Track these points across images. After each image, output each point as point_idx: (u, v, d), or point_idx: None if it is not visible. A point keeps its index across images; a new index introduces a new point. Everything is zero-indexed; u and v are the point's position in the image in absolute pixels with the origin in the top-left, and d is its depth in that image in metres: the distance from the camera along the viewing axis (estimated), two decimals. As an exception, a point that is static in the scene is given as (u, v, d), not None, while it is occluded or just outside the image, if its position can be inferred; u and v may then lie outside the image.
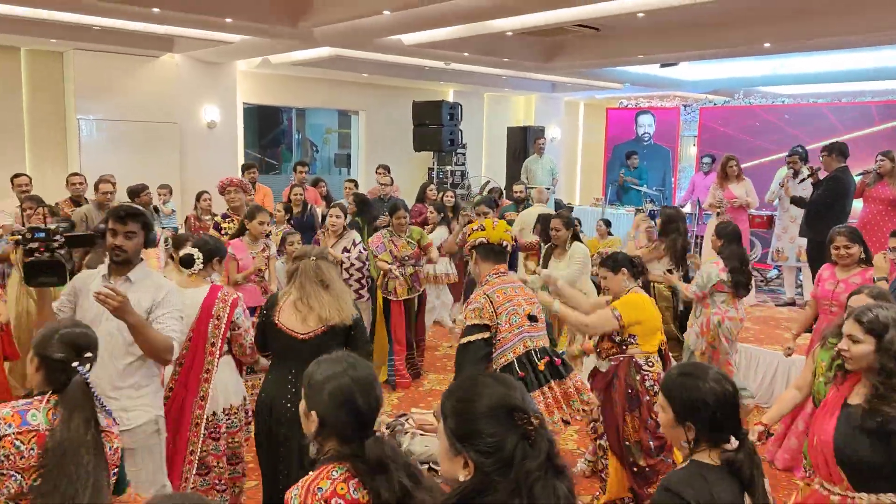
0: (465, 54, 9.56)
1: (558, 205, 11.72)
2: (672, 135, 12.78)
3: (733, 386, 2.05)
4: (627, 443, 3.81)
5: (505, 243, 3.56)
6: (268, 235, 5.64)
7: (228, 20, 7.41)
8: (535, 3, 6.94)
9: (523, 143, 12.94)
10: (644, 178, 12.03)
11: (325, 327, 3.33)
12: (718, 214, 7.86)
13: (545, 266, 5.68)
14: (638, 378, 3.84)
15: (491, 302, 3.40)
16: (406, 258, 6.15)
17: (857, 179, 7.41)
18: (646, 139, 13.03)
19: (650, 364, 3.86)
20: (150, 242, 3.05)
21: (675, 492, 1.93)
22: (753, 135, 11.05)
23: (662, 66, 10.70)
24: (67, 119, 9.82)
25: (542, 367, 3.40)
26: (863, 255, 4.42)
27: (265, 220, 5.42)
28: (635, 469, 3.80)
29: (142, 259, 3.10)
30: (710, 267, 5.07)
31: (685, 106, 12.93)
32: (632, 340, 3.89)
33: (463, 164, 12.84)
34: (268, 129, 15.97)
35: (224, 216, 6.23)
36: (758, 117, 11.32)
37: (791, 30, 7.92)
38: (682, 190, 12.14)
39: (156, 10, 6.97)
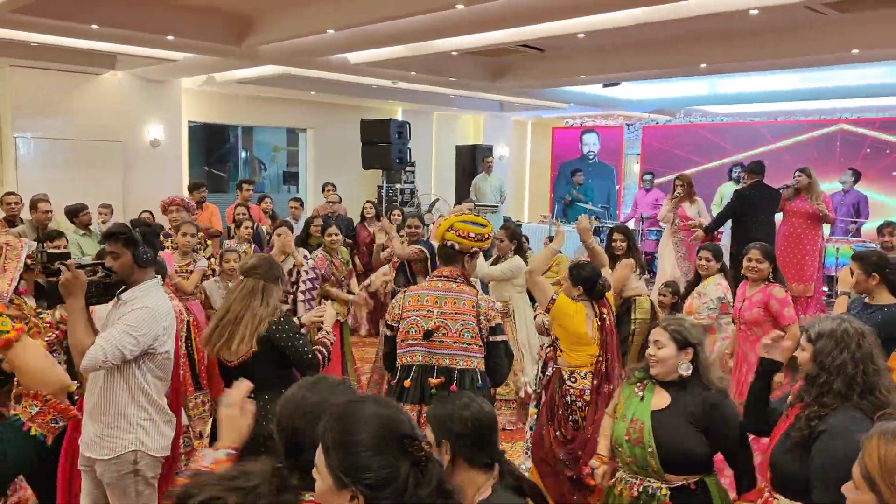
0: (412, 73, 9.64)
1: (506, 221, 11.86)
2: (616, 153, 13.07)
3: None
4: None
5: (450, 242, 3.37)
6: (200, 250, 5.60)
7: (170, 38, 7.35)
8: (478, 24, 7.04)
9: (472, 161, 13.07)
10: (589, 195, 12.26)
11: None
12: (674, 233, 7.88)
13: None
14: (559, 392, 3.86)
15: (401, 304, 3.37)
16: (343, 279, 5.95)
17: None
18: (591, 157, 13.30)
19: (573, 380, 3.87)
20: (143, 260, 2.95)
21: None
22: (694, 152, 11.38)
23: (605, 86, 10.94)
24: (3, 137, 9.56)
25: (433, 384, 3.23)
26: (771, 276, 4.48)
27: (190, 231, 5.37)
28: (571, 477, 3.80)
29: (157, 279, 3.07)
30: (714, 288, 4.89)
31: (629, 125, 13.24)
32: (558, 346, 3.93)
33: (412, 181, 12.90)
34: (214, 148, 15.79)
35: (166, 235, 6.14)
36: (698, 135, 11.67)
37: (725, 52, 8.20)
38: (627, 206, 12.40)
39: (95, 26, 6.87)
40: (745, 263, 4.56)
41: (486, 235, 3.44)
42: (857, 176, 8.52)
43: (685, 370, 2.70)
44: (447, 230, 3.37)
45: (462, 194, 12.15)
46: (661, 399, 2.75)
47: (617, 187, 13.10)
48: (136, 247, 2.93)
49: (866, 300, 3.97)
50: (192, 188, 8.38)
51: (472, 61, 9.65)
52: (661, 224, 8.52)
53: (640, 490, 2.71)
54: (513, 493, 2.07)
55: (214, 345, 3.20)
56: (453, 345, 3.24)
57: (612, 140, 13.17)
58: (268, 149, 17.29)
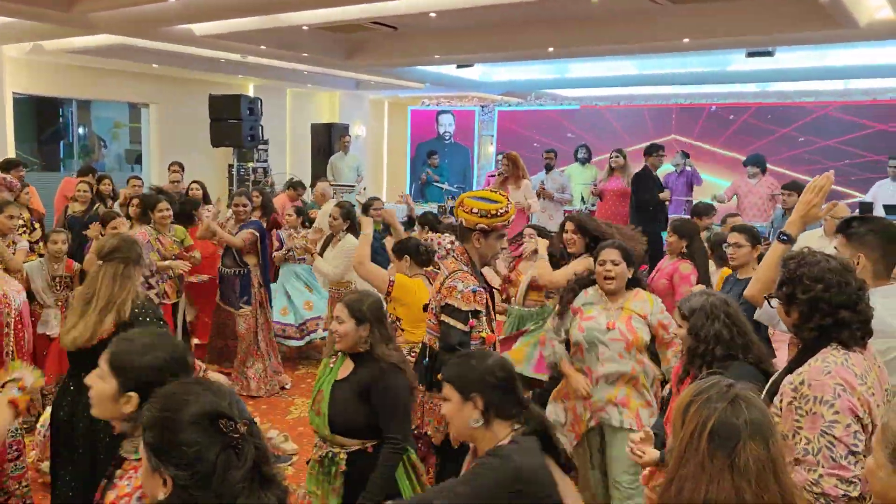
0: (263, 48, 9.32)
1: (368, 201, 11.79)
2: (471, 134, 13.30)
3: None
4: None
5: (458, 219, 3.33)
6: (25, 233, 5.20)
7: (-13, -1, 6.69)
8: (328, -2, 6.92)
9: (328, 140, 12.86)
10: (445, 176, 12.41)
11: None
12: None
13: (321, 254, 5.84)
14: None
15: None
16: (171, 258, 5.64)
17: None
18: (447, 138, 13.45)
19: (411, 355, 3.77)
20: None
21: (503, 455, 2.03)
22: (545, 134, 11.79)
23: (459, 66, 11.07)
24: None
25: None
26: (684, 250, 4.74)
27: (13, 213, 5.04)
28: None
29: None
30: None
31: (483, 107, 13.49)
32: (398, 325, 3.92)
33: (265, 160, 12.52)
34: (46, 123, 14.59)
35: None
36: (548, 118, 12.10)
37: (571, 37, 8.52)
38: (482, 187, 12.67)
39: None
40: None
41: (494, 212, 3.20)
42: (687, 156, 9.16)
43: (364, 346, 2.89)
44: (458, 206, 3.29)
45: (318, 173, 11.95)
46: (346, 370, 2.94)
47: (472, 168, 13.34)
48: None
49: (738, 276, 4.19)
50: (8, 167, 7.61)
51: (325, 37, 9.46)
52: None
53: (324, 454, 2.90)
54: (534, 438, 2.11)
55: (76, 338, 3.01)
56: (430, 323, 3.40)
57: (467, 121, 13.39)
58: (108, 125, 16.21)
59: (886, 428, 1.57)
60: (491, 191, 3.41)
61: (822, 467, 2.05)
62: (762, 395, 2.29)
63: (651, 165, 8.08)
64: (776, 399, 2.23)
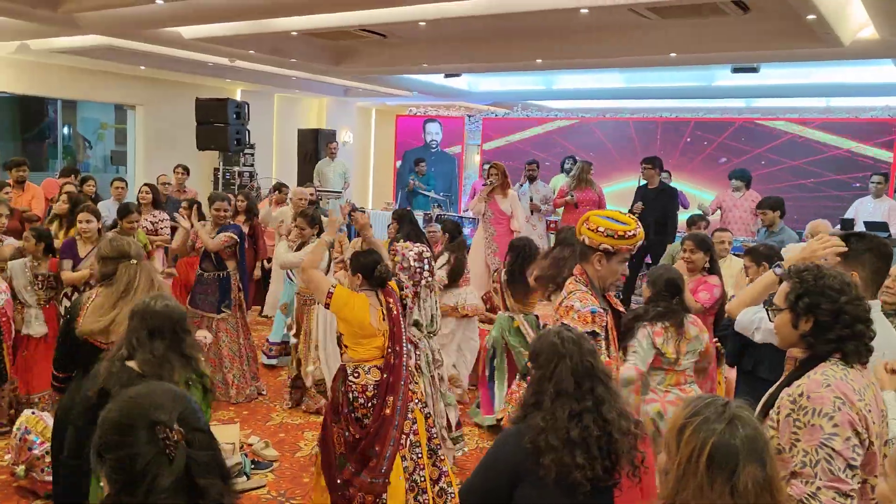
0: (251, 52, 9.31)
1: (352, 208, 11.76)
2: (458, 143, 13.34)
3: None
4: (337, 453, 3.68)
5: (581, 237, 3.13)
6: None
7: (-27, -3, 6.63)
8: (318, 5, 6.91)
9: (315, 145, 12.83)
10: (432, 184, 12.41)
11: None
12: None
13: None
14: (342, 389, 3.67)
15: None
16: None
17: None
18: (433, 146, 13.48)
19: (356, 375, 3.66)
20: None
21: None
22: (531, 145, 11.84)
23: (447, 76, 11.11)
24: None
25: None
26: (707, 265, 4.69)
27: (4, 213, 5.00)
28: (338, 481, 3.63)
29: None
30: (643, 330, 3.75)
31: (469, 116, 13.54)
32: (342, 341, 3.73)
33: (251, 164, 12.48)
34: (31, 122, 14.48)
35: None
36: (535, 129, 12.16)
37: (559, 49, 8.57)
38: (468, 196, 12.70)
39: None
40: (682, 256, 4.82)
41: (622, 233, 2.99)
42: (668, 173, 9.23)
43: None
44: (583, 223, 3.09)
45: (304, 179, 11.92)
46: None
47: (458, 177, 13.37)
48: None
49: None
50: (11, 166, 7.55)
51: (313, 43, 9.46)
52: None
53: None
54: None
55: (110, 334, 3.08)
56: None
57: (454, 130, 13.43)
58: (94, 126, 16.11)
59: None
60: (622, 212, 3.24)
61: (820, 480, 2.03)
62: (757, 408, 2.32)
63: (648, 178, 8.14)
64: (772, 412, 2.22)
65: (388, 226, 6.36)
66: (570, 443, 2.20)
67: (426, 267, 4.24)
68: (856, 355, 2.19)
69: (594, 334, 2.90)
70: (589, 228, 3.05)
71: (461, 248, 5.97)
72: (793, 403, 2.15)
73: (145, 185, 7.30)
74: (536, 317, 5.42)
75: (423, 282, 4.24)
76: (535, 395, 2.31)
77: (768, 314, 2.43)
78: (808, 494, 2.04)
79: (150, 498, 1.39)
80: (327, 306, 3.69)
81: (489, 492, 2.30)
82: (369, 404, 3.64)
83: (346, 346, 3.72)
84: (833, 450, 2.04)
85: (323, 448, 3.76)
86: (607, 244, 3.01)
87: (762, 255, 4.28)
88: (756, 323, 3.06)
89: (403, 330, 3.79)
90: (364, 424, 3.63)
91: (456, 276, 5.75)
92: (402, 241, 4.71)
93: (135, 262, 3.23)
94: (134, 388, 1.57)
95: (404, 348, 3.74)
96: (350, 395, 3.64)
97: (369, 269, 3.73)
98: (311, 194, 8.66)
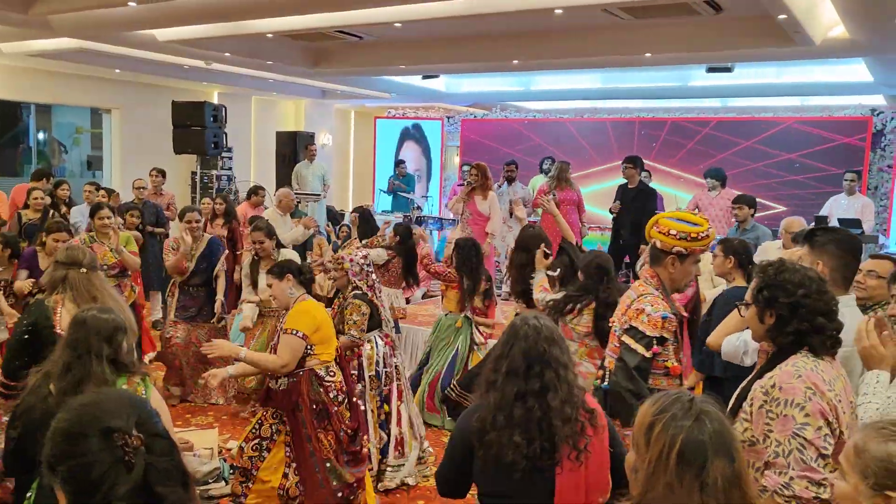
0: (227, 55, 9.25)
1: (330, 211, 11.74)
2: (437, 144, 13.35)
3: None
4: (328, 464, 3.59)
5: (652, 240, 3.12)
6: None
7: (-58, -1, 6.55)
8: (293, 6, 6.89)
9: (293, 148, 12.78)
10: (411, 186, 12.40)
11: None
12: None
13: (254, 280, 5.54)
14: (321, 390, 3.64)
15: None
16: (108, 268, 5.39)
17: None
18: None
19: (331, 374, 3.69)
20: None
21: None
22: (509, 146, 11.86)
23: (424, 77, 11.11)
24: None
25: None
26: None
27: None
28: (339, 495, 3.60)
29: None
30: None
31: (448, 117, 13.55)
32: (309, 351, 3.66)
33: (229, 168, 12.40)
34: (5, 127, 14.29)
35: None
36: (513, 129, 12.18)
37: (534, 50, 8.60)
38: (447, 197, 12.70)
39: None
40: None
41: (695, 235, 2.98)
42: (648, 173, 9.30)
43: None
44: (653, 226, 3.07)
45: (283, 181, 11.87)
46: None
47: (438, 178, 13.37)
48: None
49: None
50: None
51: (289, 45, 9.43)
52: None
53: None
54: None
55: None
56: (612, 345, 3.15)
57: (433, 132, 13.43)
58: (69, 130, 15.92)
59: (862, 451, 1.57)
60: (690, 212, 3.22)
61: (793, 469, 2.07)
62: (731, 402, 2.34)
63: (629, 177, 8.18)
64: (745, 404, 2.25)
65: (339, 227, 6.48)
66: (512, 422, 2.26)
67: (371, 269, 4.43)
68: (822, 348, 2.22)
69: (662, 339, 2.93)
70: (660, 232, 3.03)
71: (408, 252, 6.13)
72: (765, 395, 2.18)
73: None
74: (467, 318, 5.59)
75: (371, 283, 4.40)
76: (493, 373, 2.39)
77: (739, 311, 2.46)
78: (782, 485, 2.08)
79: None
80: (311, 347, 3.65)
81: (452, 469, 2.46)
82: (345, 401, 3.75)
83: (314, 354, 3.67)
84: (805, 439, 2.07)
85: (306, 462, 3.61)
86: (680, 247, 3.00)
87: (732, 249, 4.28)
88: (742, 347, 3.09)
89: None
90: (347, 419, 3.73)
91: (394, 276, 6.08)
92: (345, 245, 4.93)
93: (84, 271, 3.21)
94: (83, 396, 1.53)
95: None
96: (331, 394, 3.66)
97: (296, 270, 3.83)
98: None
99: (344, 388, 3.75)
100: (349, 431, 3.71)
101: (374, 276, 4.47)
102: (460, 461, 2.40)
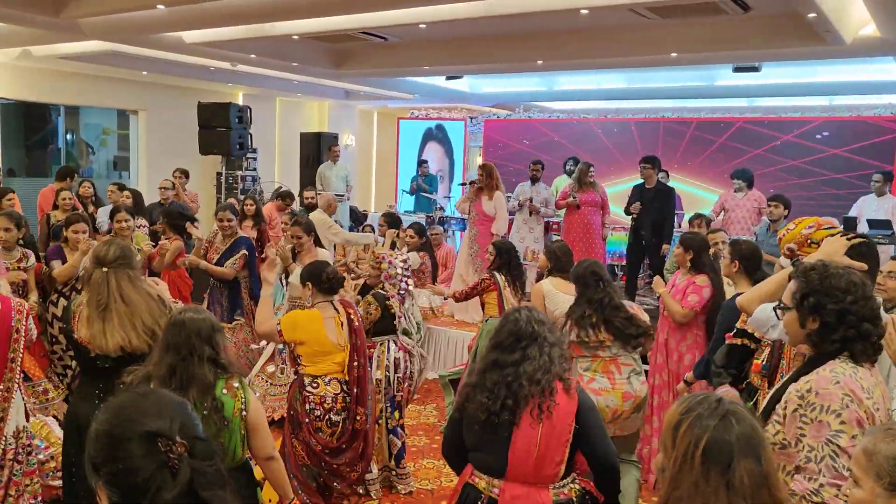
0: (252, 56, 9.32)
1: (353, 212, 11.79)
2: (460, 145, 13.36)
3: None
4: (304, 469, 3.69)
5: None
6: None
7: (-25, 4, 6.66)
8: (318, 8, 6.91)
9: (317, 149, 12.86)
10: (434, 186, 12.41)
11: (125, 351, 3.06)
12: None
13: (286, 276, 5.49)
14: (299, 399, 3.64)
15: None
16: None
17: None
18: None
19: (314, 386, 3.64)
20: None
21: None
22: (533, 147, 11.82)
23: (448, 78, 11.11)
24: None
25: None
26: (689, 263, 4.58)
27: (7, 225, 4.89)
28: (326, 493, 3.70)
29: None
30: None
31: (471, 118, 13.54)
32: (300, 361, 3.68)
33: (254, 169, 12.50)
34: (34, 129, 14.51)
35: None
36: (536, 130, 12.14)
37: (559, 50, 8.56)
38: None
39: None
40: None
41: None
42: (666, 173, 9.20)
43: None
44: (807, 244, 3.02)
45: (306, 182, 11.94)
46: None
47: (462, 179, 13.37)
48: None
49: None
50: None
51: (314, 47, 9.47)
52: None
53: None
54: None
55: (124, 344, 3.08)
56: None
57: (456, 132, 13.43)
58: (97, 131, 16.14)
59: (872, 454, 1.56)
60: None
61: (824, 476, 2.03)
62: (763, 404, 2.32)
63: (646, 177, 8.12)
64: (779, 407, 2.22)
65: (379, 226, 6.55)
66: (485, 386, 2.54)
67: (408, 275, 4.43)
68: (864, 354, 2.18)
69: None
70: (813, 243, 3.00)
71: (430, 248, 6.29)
72: (801, 399, 2.14)
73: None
74: None
75: (404, 290, 4.40)
76: (486, 350, 2.68)
77: (776, 313, 2.42)
78: (811, 491, 2.04)
79: None
80: (284, 342, 3.72)
81: (449, 430, 2.77)
82: (325, 417, 3.63)
83: (302, 365, 3.68)
84: (839, 447, 2.03)
85: (291, 462, 3.67)
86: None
87: (739, 253, 4.09)
88: (773, 321, 3.06)
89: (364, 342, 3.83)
90: (328, 435, 3.65)
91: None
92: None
93: (106, 270, 3.16)
94: (118, 397, 1.49)
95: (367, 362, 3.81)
96: (307, 405, 3.62)
97: (317, 276, 3.74)
98: (312, 198, 8.73)
99: (326, 405, 3.63)
100: (318, 447, 3.63)
101: (407, 284, 4.41)
102: (455, 424, 2.68)
